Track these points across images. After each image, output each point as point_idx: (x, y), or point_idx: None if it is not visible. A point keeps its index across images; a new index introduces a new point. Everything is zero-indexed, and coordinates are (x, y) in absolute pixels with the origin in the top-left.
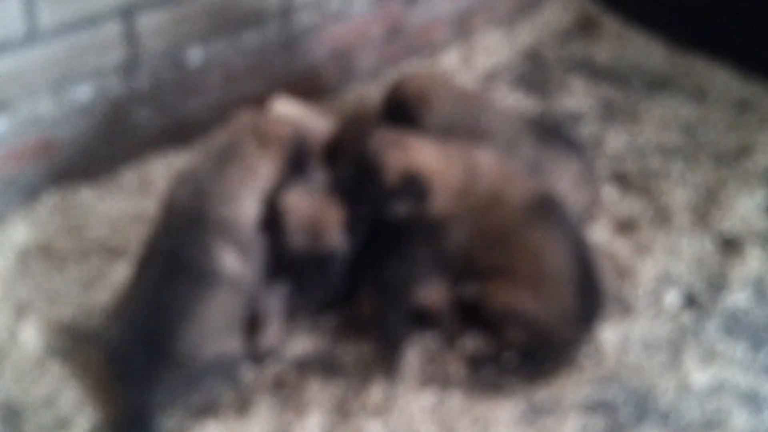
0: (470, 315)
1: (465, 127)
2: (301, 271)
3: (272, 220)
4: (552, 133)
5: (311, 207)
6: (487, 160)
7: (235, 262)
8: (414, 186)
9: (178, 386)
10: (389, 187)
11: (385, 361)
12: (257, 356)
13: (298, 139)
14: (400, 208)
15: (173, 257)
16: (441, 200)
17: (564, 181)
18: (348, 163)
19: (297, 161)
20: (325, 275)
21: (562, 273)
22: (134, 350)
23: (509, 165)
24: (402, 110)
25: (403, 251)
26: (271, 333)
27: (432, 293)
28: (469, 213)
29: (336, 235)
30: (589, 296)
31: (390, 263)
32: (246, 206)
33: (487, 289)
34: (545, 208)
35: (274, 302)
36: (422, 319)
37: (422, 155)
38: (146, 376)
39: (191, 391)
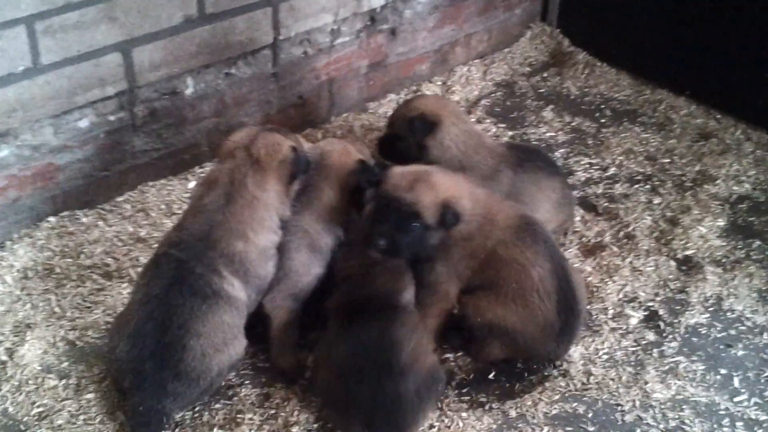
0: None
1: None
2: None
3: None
4: (533, 157)
5: None
6: (479, 188)
7: (237, 287)
8: (450, 216)
9: (187, 397)
10: (432, 223)
11: None
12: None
13: (293, 153)
14: (437, 238)
15: (181, 271)
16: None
17: (546, 201)
18: (378, 213)
19: (297, 172)
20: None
21: (543, 288)
22: (144, 364)
23: (489, 192)
24: (418, 124)
25: None
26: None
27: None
28: (469, 234)
29: None
30: (568, 313)
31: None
32: (255, 241)
33: (473, 304)
34: (530, 228)
35: (288, 330)
36: None
37: (444, 185)
38: (157, 390)
39: (200, 398)
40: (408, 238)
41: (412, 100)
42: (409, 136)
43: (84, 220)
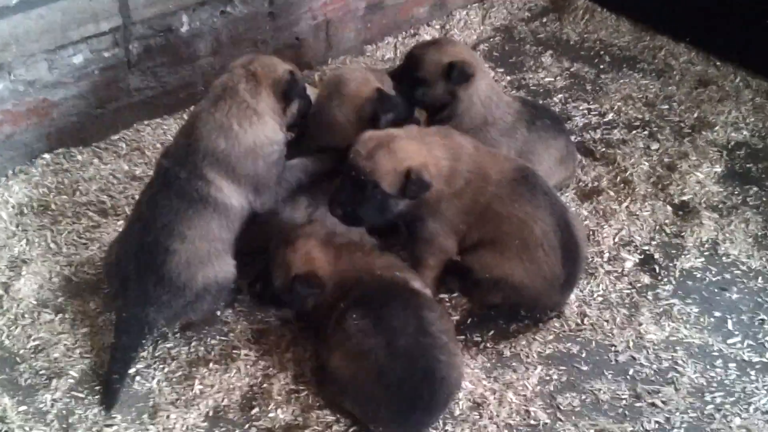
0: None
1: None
2: None
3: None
4: (542, 114)
5: None
6: (466, 141)
7: (227, 191)
8: (413, 184)
9: (171, 307)
10: (392, 192)
11: None
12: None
13: (290, 75)
14: (403, 205)
15: (168, 177)
16: (434, 186)
17: (552, 156)
18: (342, 180)
19: (289, 95)
20: None
21: (548, 242)
22: (129, 267)
23: (484, 145)
24: (457, 72)
25: None
26: None
27: None
28: (457, 191)
29: None
30: (572, 263)
31: None
32: (240, 137)
33: (479, 261)
34: (527, 181)
35: None
36: None
37: (408, 152)
38: (140, 295)
39: (185, 312)
40: (366, 207)
41: (441, 45)
42: (440, 83)
43: (79, 157)
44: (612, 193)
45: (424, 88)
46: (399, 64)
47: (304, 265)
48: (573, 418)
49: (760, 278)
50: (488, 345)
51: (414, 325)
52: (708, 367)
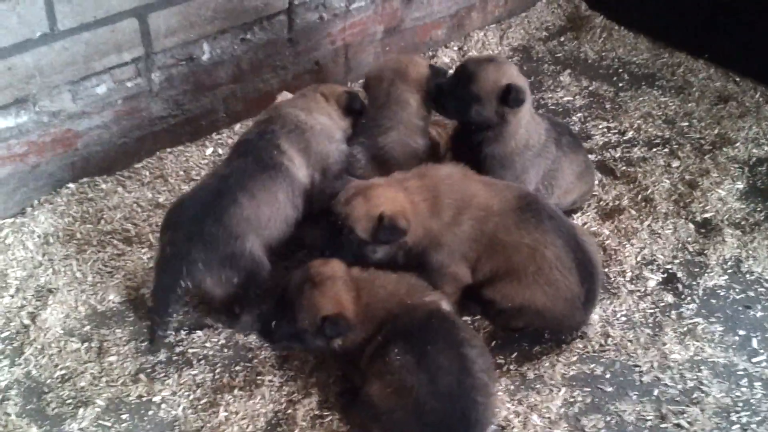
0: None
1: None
2: None
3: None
4: (564, 131)
5: None
6: (452, 171)
7: (297, 164)
8: (388, 229)
9: (214, 252)
10: (365, 238)
11: None
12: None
13: (347, 93)
14: (381, 251)
15: (247, 148)
16: (414, 230)
17: (573, 172)
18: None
19: (350, 109)
20: None
21: (562, 263)
22: (191, 208)
23: (472, 174)
24: (513, 96)
25: None
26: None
27: None
28: (452, 221)
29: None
30: (589, 280)
31: None
32: (317, 116)
33: (500, 292)
34: (531, 207)
35: None
36: None
37: (384, 199)
38: (193, 230)
39: (218, 272)
40: (346, 251)
41: (499, 64)
42: (491, 103)
43: (103, 186)
44: (633, 212)
45: (478, 106)
46: (450, 75)
47: (333, 307)
48: None
49: None
50: (512, 367)
51: (457, 364)
52: (733, 386)
